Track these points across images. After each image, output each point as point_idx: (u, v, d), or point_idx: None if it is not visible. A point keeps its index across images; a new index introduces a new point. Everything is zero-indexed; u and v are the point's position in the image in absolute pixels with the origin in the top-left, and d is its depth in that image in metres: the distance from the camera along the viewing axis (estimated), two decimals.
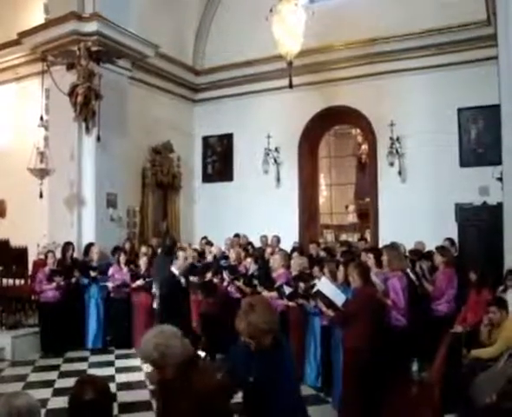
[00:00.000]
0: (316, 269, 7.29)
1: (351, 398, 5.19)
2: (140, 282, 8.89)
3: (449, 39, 10.81)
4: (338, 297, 5.58)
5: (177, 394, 2.84)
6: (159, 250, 9.72)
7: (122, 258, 9.20)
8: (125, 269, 9.12)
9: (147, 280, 8.82)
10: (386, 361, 5.09)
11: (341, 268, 6.21)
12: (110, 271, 9.06)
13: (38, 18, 10.54)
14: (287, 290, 7.17)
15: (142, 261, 9.13)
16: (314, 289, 6.20)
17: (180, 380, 2.83)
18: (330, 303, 5.66)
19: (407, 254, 8.44)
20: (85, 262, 9.19)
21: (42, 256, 9.30)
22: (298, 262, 7.72)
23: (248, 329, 3.03)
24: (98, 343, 8.88)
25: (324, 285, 5.89)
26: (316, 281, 6.54)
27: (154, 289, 8.35)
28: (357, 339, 5.10)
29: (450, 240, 9.11)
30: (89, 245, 9.43)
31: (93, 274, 8.95)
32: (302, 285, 7.10)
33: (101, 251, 9.48)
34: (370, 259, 6.68)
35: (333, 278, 6.37)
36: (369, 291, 5.41)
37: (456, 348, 5.68)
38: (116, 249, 9.53)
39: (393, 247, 7.79)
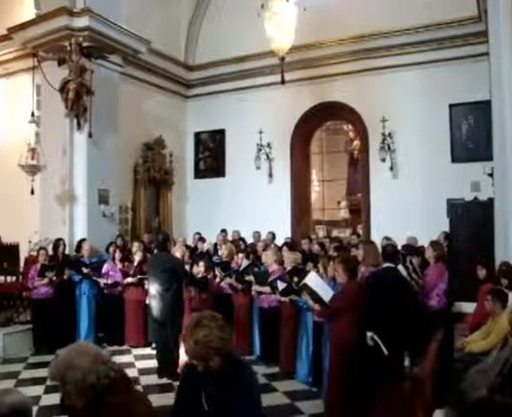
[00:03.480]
0: (310, 264, 7.31)
1: (338, 392, 5.23)
2: (130, 279, 8.85)
3: (440, 35, 10.86)
4: (326, 292, 5.60)
5: None
6: (152, 246, 9.71)
7: (118, 255, 9.18)
8: (119, 266, 9.09)
9: (139, 276, 8.79)
10: (374, 356, 5.12)
11: (331, 263, 6.23)
12: (105, 268, 9.03)
13: (29, 13, 10.48)
14: (281, 285, 7.19)
15: (138, 256, 9.09)
16: (301, 283, 6.23)
17: (90, 414, 2.26)
18: (316, 297, 5.69)
19: (399, 249, 8.47)
20: (77, 259, 9.15)
21: (33, 253, 9.27)
22: (292, 258, 7.73)
23: (195, 349, 2.64)
24: (89, 340, 8.84)
25: (311, 279, 5.90)
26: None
27: (147, 286, 8.33)
28: (344, 333, 5.14)
29: (445, 233, 9.16)
30: (81, 241, 9.40)
31: (85, 270, 8.91)
32: (296, 280, 7.11)
33: (92, 247, 9.44)
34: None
35: (326, 273, 6.41)
36: (354, 286, 5.44)
37: (447, 343, 5.72)
38: (111, 244, 9.52)
39: (369, 242, 7.84)
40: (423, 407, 3.85)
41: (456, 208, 10.61)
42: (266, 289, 7.65)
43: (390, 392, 4.68)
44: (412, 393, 4.38)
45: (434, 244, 7.24)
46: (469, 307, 8.09)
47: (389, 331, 5.09)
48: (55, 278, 8.53)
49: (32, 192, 9.20)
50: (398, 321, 5.14)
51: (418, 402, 3.98)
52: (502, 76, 7.31)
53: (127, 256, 9.41)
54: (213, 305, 8.25)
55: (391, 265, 5.59)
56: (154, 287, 7.31)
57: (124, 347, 8.76)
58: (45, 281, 8.45)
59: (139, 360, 8.03)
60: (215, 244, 10.87)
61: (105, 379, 2.25)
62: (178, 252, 8.48)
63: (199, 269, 8.55)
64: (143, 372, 7.40)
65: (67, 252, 9.38)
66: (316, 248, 9.10)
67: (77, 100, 9.33)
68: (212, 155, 14.01)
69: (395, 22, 11.07)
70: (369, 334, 5.21)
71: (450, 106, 10.98)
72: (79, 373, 2.21)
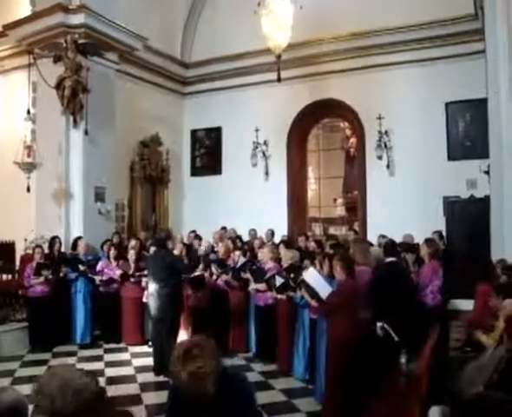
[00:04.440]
0: (306, 262, 7.30)
1: (335, 389, 5.24)
2: (133, 280, 8.82)
3: (437, 33, 10.87)
4: (324, 288, 5.60)
5: None
6: (147, 243, 9.69)
7: (113, 253, 9.15)
8: (114, 264, 9.07)
9: (137, 274, 8.77)
10: (370, 352, 5.15)
11: (326, 261, 6.23)
12: (99, 265, 9.01)
13: (24, 10, 10.43)
14: (278, 281, 7.19)
15: (130, 255, 9.09)
16: (300, 278, 6.23)
17: None
18: (314, 294, 5.69)
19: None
20: (74, 256, 9.12)
21: (29, 251, 9.23)
22: (289, 255, 7.71)
23: (190, 381, 2.48)
24: (86, 338, 8.83)
25: (310, 275, 5.90)
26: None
27: (144, 283, 8.32)
28: (341, 331, 5.15)
29: (439, 232, 9.18)
30: (77, 239, 9.37)
31: (82, 267, 8.88)
32: (292, 276, 7.11)
33: (88, 245, 9.43)
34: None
35: (322, 270, 6.40)
36: (352, 284, 5.44)
37: (443, 340, 5.73)
38: (106, 242, 9.51)
39: (359, 240, 7.89)
40: (419, 404, 3.86)
41: (452, 206, 10.63)
42: (263, 286, 7.65)
43: (387, 389, 4.69)
44: (408, 390, 4.39)
45: (428, 241, 7.26)
46: (465, 305, 8.12)
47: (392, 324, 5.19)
48: (51, 276, 8.50)
49: (28, 190, 9.17)
50: (399, 315, 5.21)
51: (414, 399, 3.99)
52: (499, 73, 7.34)
53: (122, 254, 9.39)
54: (209, 303, 8.26)
55: (394, 259, 5.68)
56: (152, 285, 7.31)
57: (121, 345, 8.74)
58: (41, 279, 8.41)
59: (136, 358, 8.01)
60: (212, 246, 10.80)
61: (71, 407, 2.17)
62: (176, 249, 8.48)
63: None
64: (140, 370, 7.39)
65: (63, 250, 9.35)
66: (312, 245, 9.09)
67: (73, 97, 9.31)
68: (208, 152, 14.01)
69: (391, 19, 11.06)
70: (379, 323, 5.27)
71: (447, 104, 11.00)
72: (47, 401, 2.17)
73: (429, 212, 10.58)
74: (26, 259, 9.20)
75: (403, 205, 10.84)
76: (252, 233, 11.14)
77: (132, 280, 8.80)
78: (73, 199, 9.82)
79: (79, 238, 9.36)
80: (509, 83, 7.20)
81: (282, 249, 8.30)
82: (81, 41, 9.51)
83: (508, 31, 7.22)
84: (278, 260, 7.91)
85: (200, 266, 8.57)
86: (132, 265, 8.98)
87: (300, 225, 12.99)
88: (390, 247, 6.12)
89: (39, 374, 2.43)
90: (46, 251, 8.96)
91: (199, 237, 10.66)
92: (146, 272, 8.10)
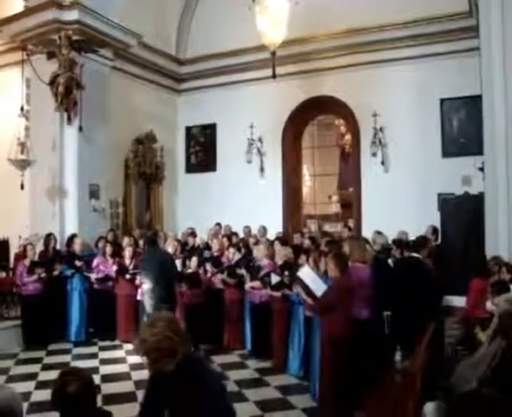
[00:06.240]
0: (303, 258, 7.30)
1: (331, 386, 5.25)
2: (128, 276, 8.80)
3: (431, 30, 10.86)
4: (319, 286, 5.60)
5: None
6: (140, 242, 9.68)
7: (109, 249, 9.13)
8: (110, 261, 9.04)
9: (131, 272, 8.74)
10: (365, 350, 5.16)
11: (323, 258, 6.23)
12: (95, 262, 8.98)
13: (17, 6, 10.36)
14: (274, 279, 7.18)
15: (127, 252, 9.06)
16: (295, 275, 6.23)
17: None
18: (309, 291, 5.69)
19: (389, 243, 8.48)
20: (70, 253, 9.08)
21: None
22: (283, 253, 7.72)
23: (141, 347, 2.57)
24: (81, 336, 8.81)
25: (305, 273, 5.91)
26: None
27: (139, 281, 8.30)
28: (336, 328, 5.16)
29: (433, 227, 9.20)
30: (72, 236, 9.33)
31: (78, 263, 8.84)
32: (286, 273, 7.11)
33: (84, 242, 9.39)
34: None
35: (317, 267, 6.41)
36: (346, 281, 5.44)
37: (438, 336, 5.74)
38: (100, 239, 9.47)
39: (355, 238, 7.90)
40: (414, 401, 3.87)
41: (446, 203, 10.65)
42: (258, 284, 7.65)
43: (382, 385, 4.70)
44: (403, 386, 4.40)
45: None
46: (459, 301, 8.14)
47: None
48: (44, 274, 8.45)
49: (22, 187, 9.11)
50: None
51: (409, 395, 4.00)
52: (493, 70, 7.35)
53: (117, 251, 9.36)
54: (204, 300, 8.25)
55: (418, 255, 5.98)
56: (146, 282, 7.29)
57: (116, 343, 8.73)
58: (34, 277, 8.37)
59: (130, 356, 7.99)
60: (206, 243, 10.79)
61: None
62: (170, 247, 8.45)
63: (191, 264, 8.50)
64: (134, 367, 7.36)
65: (58, 247, 9.31)
66: (306, 242, 9.08)
67: (67, 94, 9.25)
68: (203, 149, 13.97)
69: (386, 16, 11.05)
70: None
71: (441, 100, 11.01)
72: None
73: (423, 209, 10.60)
74: (20, 256, 9.17)
75: (398, 202, 10.86)
76: (246, 230, 11.13)
77: (127, 276, 8.77)
78: (67, 196, 9.78)
79: (74, 235, 9.32)
80: (504, 80, 7.22)
81: (277, 246, 8.30)
82: (75, 37, 9.46)
83: (502, 28, 7.24)
84: (273, 257, 7.91)
85: (194, 258, 8.52)
86: (127, 261, 8.97)
87: (295, 222, 13.00)
88: (421, 242, 6.26)
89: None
90: (41, 248, 8.92)
91: (194, 234, 10.64)
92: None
